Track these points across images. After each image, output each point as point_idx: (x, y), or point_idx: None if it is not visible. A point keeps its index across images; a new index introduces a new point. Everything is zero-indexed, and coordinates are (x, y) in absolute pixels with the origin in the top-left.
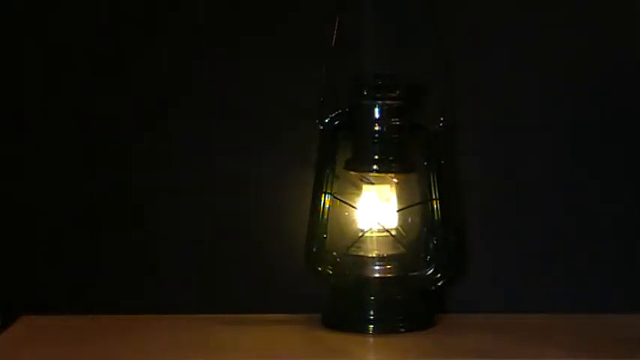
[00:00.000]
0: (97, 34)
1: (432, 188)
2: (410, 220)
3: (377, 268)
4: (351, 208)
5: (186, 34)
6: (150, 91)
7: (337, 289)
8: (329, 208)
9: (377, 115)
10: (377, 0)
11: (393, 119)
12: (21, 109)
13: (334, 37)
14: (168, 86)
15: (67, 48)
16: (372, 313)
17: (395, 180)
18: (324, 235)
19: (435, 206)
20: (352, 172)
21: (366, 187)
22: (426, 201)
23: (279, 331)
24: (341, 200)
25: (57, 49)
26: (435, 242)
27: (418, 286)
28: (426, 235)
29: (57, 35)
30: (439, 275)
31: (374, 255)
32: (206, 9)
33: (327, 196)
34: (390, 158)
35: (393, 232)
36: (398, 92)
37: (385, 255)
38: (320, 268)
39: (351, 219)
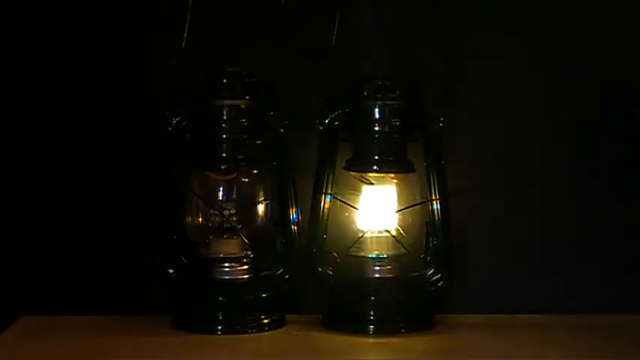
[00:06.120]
0: None
1: (432, 188)
2: (410, 220)
3: (377, 268)
4: (351, 208)
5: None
6: None
7: (337, 290)
8: (329, 208)
9: (377, 115)
10: (377, 0)
11: (393, 119)
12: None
13: (334, 37)
14: None
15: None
16: (372, 313)
17: (395, 180)
18: (324, 236)
19: (435, 206)
20: (352, 173)
21: (366, 188)
22: (426, 201)
23: (280, 331)
24: (341, 201)
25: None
26: (435, 242)
27: (418, 286)
28: (426, 236)
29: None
30: (439, 275)
31: (374, 255)
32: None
33: (327, 196)
34: (390, 158)
35: (393, 233)
36: (398, 92)
37: (385, 255)
38: (320, 269)
39: (351, 219)
